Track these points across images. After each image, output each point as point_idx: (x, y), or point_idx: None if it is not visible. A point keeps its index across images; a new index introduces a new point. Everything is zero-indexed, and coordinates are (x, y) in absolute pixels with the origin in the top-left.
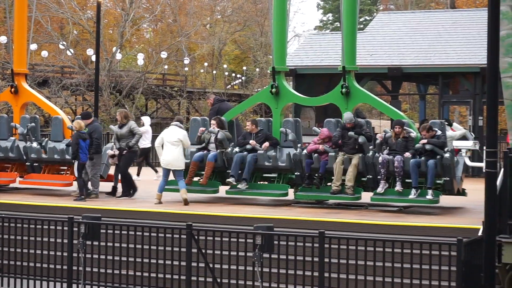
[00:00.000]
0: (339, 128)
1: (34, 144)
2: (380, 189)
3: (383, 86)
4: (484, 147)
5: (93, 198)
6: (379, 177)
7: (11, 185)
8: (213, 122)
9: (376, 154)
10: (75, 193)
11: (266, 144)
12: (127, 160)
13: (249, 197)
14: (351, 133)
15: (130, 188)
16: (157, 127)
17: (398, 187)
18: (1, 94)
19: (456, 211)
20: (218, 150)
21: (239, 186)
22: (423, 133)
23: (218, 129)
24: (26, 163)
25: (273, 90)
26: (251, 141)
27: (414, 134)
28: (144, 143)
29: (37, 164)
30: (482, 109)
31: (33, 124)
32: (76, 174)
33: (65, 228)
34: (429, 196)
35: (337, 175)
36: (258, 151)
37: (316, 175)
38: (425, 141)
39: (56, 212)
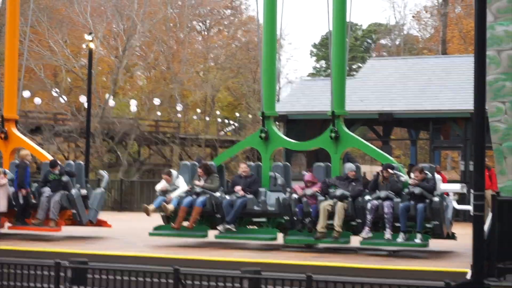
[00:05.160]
0: (336, 178)
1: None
2: (364, 234)
3: (374, 131)
4: (472, 190)
5: None
6: (367, 221)
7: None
8: (199, 170)
9: (366, 198)
10: None
11: (239, 189)
12: None
13: (238, 242)
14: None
15: None
16: (150, 174)
17: (387, 234)
18: None
19: (446, 254)
20: (207, 195)
21: (219, 227)
22: (416, 173)
23: (199, 183)
24: (15, 209)
25: (263, 135)
26: (236, 188)
27: (404, 178)
28: None
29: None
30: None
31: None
32: None
33: (52, 273)
34: (417, 240)
35: (322, 220)
36: (248, 196)
37: (308, 219)
38: (413, 182)
39: (44, 257)
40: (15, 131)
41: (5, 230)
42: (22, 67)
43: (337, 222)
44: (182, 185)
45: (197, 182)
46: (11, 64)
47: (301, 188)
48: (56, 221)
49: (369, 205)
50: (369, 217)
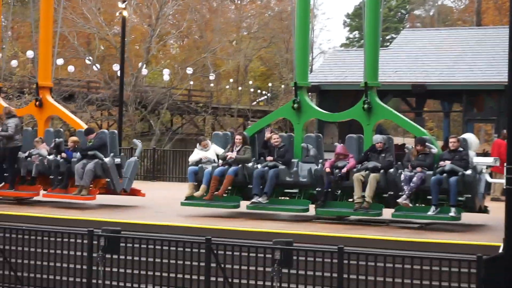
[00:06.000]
0: (369, 150)
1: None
2: (401, 200)
3: (407, 103)
4: (505, 164)
5: None
6: (400, 193)
7: (35, 198)
8: (238, 137)
9: (399, 171)
10: None
11: (271, 159)
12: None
13: (270, 213)
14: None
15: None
16: (182, 143)
17: (402, 199)
18: (26, 107)
19: (478, 228)
20: (240, 165)
21: (259, 199)
22: (418, 146)
23: (232, 154)
24: (50, 177)
25: (295, 105)
26: (268, 158)
27: (435, 150)
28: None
29: (61, 177)
30: None
31: (61, 139)
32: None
33: (85, 241)
34: (452, 214)
35: (357, 190)
36: (280, 167)
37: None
38: (448, 162)
39: (77, 225)
40: (49, 98)
41: (39, 197)
42: (56, 35)
43: (368, 193)
44: (218, 150)
45: (230, 154)
46: (46, 31)
47: (330, 164)
48: (88, 189)
49: (402, 177)
50: (405, 187)
